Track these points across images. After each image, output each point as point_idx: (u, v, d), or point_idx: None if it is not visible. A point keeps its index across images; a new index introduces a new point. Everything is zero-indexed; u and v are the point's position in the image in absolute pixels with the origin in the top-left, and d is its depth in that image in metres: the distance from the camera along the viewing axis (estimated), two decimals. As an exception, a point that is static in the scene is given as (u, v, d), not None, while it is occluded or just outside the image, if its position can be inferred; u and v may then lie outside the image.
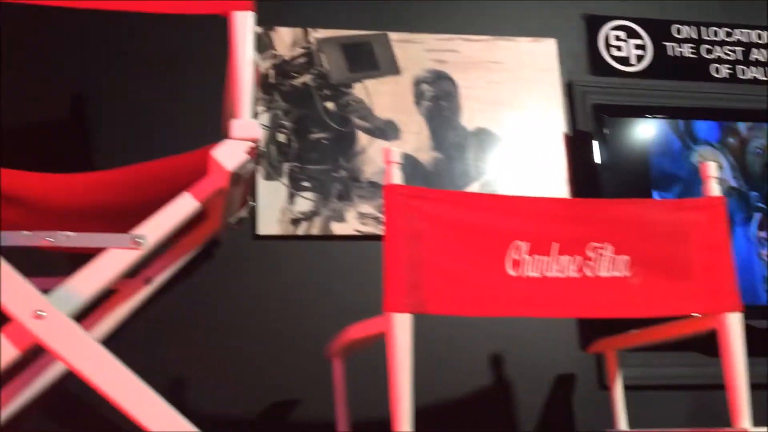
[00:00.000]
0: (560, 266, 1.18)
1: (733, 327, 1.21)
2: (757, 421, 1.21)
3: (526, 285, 1.16)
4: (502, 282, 1.15)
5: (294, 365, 1.61)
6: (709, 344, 1.79)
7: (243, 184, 1.35)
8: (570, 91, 1.92)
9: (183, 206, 1.17)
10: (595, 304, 1.20)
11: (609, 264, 1.20)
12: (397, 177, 1.13)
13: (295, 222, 1.71)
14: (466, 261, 1.15)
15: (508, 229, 1.17)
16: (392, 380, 1.07)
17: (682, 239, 1.24)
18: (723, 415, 1.71)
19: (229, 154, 1.15)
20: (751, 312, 1.70)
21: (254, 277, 1.67)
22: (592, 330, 1.72)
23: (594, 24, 2.00)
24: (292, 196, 1.72)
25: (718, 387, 1.78)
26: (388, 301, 1.09)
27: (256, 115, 1.76)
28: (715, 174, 1.27)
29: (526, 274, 1.17)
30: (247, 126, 1.17)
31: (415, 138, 1.81)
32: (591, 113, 1.83)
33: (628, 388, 1.71)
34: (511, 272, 1.16)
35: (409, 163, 1.79)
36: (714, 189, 1.26)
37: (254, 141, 1.17)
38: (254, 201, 1.53)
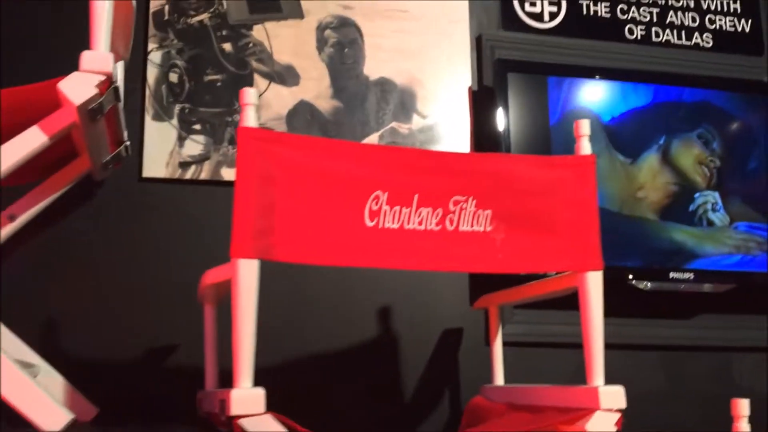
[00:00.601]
0: (420, 218, 1.16)
1: (593, 286, 1.21)
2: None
3: (383, 236, 1.14)
4: (357, 232, 1.13)
5: (173, 310, 1.59)
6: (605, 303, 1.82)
7: (109, 121, 1.30)
8: (479, 45, 1.89)
9: (30, 139, 1.12)
10: (454, 259, 1.18)
11: (471, 218, 1.19)
12: (251, 120, 1.09)
13: (184, 165, 1.66)
14: (321, 209, 1.12)
15: (368, 178, 1.14)
16: (235, 328, 1.05)
17: (549, 196, 1.23)
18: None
19: (76, 87, 1.10)
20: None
21: (137, 220, 1.62)
22: (482, 286, 1.72)
23: (509, -23, 1.96)
24: (181, 139, 1.67)
25: (606, 347, 1.81)
26: (234, 246, 1.06)
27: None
28: (587, 132, 1.25)
29: (384, 225, 1.14)
30: (98, 58, 1.12)
31: (315, 85, 1.77)
32: (497, 68, 1.80)
33: (512, 344, 1.73)
34: (369, 222, 1.14)
35: (308, 111, 1.75)
36: (585, 147, 1.25)
37: (106, 75, 1.12)
38: (128, 140, 1.47)
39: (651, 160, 1.82)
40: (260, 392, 1.02)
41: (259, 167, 1.08)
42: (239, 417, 1.01)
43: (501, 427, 1.29)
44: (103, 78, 1.11)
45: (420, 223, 1.16)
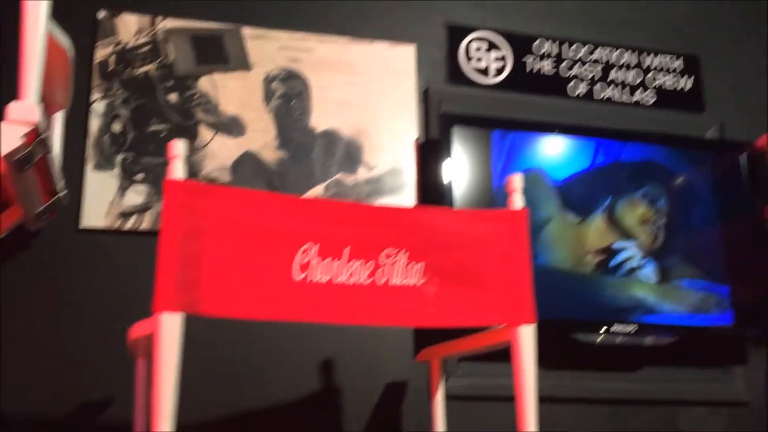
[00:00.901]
0: (351, 271, 1.16)
1: (525, 339, 1.21)
2: None
3: (312, 289, 1.13)
4: (286, 285, 1.12)
5: (111, 364, 1.55)
6: (543, 357, 1.81)
7: (40, 171, 1.28)
8: (426, 99, 1.92)
9: (-48, 190, 1.10)
10: (386, 312, 1.18)
11: (403, 271, 1.18)
12: (178, 172, 1.08)
13: (125, 216, 1.64)
14: (250, 262, 1.11)
15: (298, 231, 1.14)
16: (155, 384, 1.02)
17: (482, 250, 1.23)
18: (543, 427, 1.73)
19: (2, 138, 1.09)
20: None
21: (74, 271, 1.60)
22: (427, 338, 1.71)
23: (456, 33, 2.00)
24: (123, 189, 1.66)
25: (551, 400, 1.80)
26: (157, 299, 1.04)
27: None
28: (519, 187, 1.27)
29: (314, 278, 1.14)
30: (25, 109, 1.11)
31: (260, 136, 1.77)
32: (442, 122, 1.82)
33: (456, 397, 1.71)
34: (298, 276, 1.13)
35: (253, 161, 1.75)
36: (517, 202, 1.26)
37: (33, 125, 1.11)
38: (65, 190, 1.46)
39: (598, 220, 1.84)
40: (177, 450, 0.99)
41: (185, 219, 1.07)
42: (156, 477, 0.98)
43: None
44: (29, 128, 1.10)
45: (351, 276, 1.16)
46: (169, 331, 1.03)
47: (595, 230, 1.83)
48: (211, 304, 1.07)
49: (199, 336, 1.61)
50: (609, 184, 1.87)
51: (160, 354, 1.03)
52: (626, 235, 1.84)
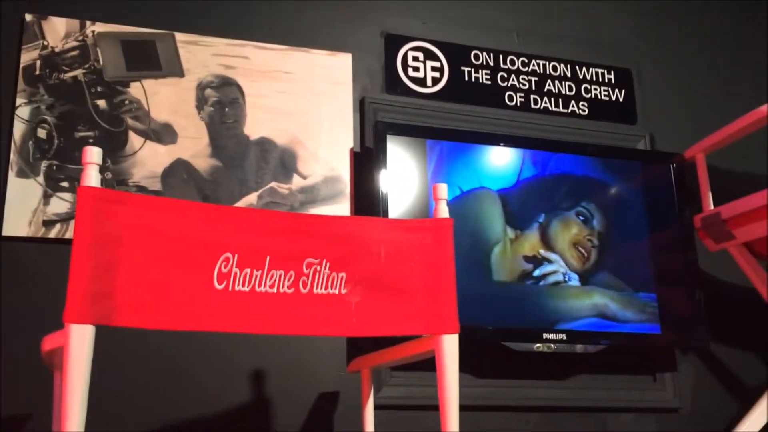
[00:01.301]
0: (273, 281, 1.14)
1: (448, 349, 1.20)
2: None
3: (233, 299, 1.11)
4: (206, 295, 1.10)
5: (29, 377, 1.50)
6: (479, 365, 1.82)
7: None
8: (362, 108, 1.92)
9: None
10: (308, 322, 1.16)
11: (325, 281, 1.17)
12: (92, 179, 1.06)
13: (48, 224, 1.60)
14: (168, 272, 1.08)
15: (217, 240, 1.12)
16: (63, 398, 0.99)
17: (405, 259, 1.23)
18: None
19: None
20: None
21: (-5, 281, 1.55)
22: (359, 348, 1.71)
23: (393, 43, 2.00)
24: (47, 196, 1.61)
25: (484, 408, 1.81)
26: (67, 310, 1.01)
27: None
28: (444, 196, 1.27)
29: (234, 287, 1.12)
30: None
31: (192, 143, 1.75)
32: (377, 130, 1.82)
33: (389, 407, 1.71)
34: (218, 285, 1.11)
35: (184, 169, 1.72)
36: (443, 211, 1.27)
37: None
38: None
39: (532, 238, 1.85)
40: (85, 466, 0.96)
41: (99, 228, 1.05)
42: (61, 494, 0.95)
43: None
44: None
45: (272, 286, 1.14)
46: (77, 343, 1.00)
47: (530, 248, 1.84)
48: (126, 316, 1.05)
49: (125, 345, 1.58)
50: (545, 198, 1.89)
51: (69, 367, 1.00)
52: (556, 253, 1.87)
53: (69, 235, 1.60)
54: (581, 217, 1.90)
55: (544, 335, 1.75)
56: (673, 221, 1.95)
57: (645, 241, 1.92)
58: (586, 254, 1.88)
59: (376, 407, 1.64)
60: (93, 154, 1.07)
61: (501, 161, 1.88)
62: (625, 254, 1.90)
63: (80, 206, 1.04)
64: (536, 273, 1.82)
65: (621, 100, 2.18)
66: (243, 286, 1.13)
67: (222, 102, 1.80)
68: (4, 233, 1.56)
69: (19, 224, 1.58)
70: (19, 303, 1.55)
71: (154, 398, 1.58)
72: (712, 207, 1.91)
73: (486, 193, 1.84)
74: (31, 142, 1.63)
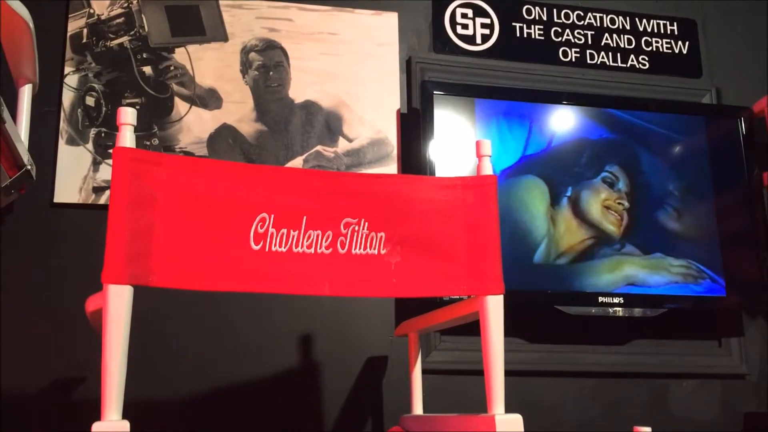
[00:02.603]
0: (310, 241, 1.12)
1: (493, 311, 1.16)
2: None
3: (270, 260, 1.10)
4: (242, 256, 1.09)
5: (83, 341, 1.53)
6: (532, 330, 1.78)
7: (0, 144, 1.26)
8: (408, 68, 1.87)
9: None
10: (347, 283, 1.14)
11: (364, 241, 1.15)
12: (127, 140, 1.05)
13: (98, 191, 1.62)
14: (204, 232, 1.08)
15: (253, 200, 1.10)
16: (103, 357, 1.00)
17: (447, 218, 1.19)
18: (529, 401, 1.69)
19: (-54, 109, 1.06)
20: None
21: (48, 247, 1.58)
22: (408, 312, 1.68)
23: (440, 0, 1.94)
24: (96, 163, 1.63)
25: (534, 374, 1.77)
26: (106, 271, 1.01)
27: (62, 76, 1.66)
28: (489, 152, 1.22)
29: (271, 248, 1.10)
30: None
31: (237, 108, 1.74)
32: (424, 91, 1.77)
33: (438, 372, 1.69)
34: (254, 246, 1.10)
35: (230, 134, 1.72)
36: (487, 168, 1.22)
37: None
38: (32, 164, 1.43)
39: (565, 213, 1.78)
40: (124, 425, 0.97)
41: (135, 189, 1.04)
42: (102, 451, 0.96)
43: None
44: (-25, 98, 1.07)
45: (309, 246, 1.12)
46: (116, 304, 1.00)
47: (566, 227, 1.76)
48: (162, 276, 1.05)
49: (173, 311, 1.60)
50: (593, 156, 1.81)
51: (108, 328, 1.00)
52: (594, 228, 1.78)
53: (118, 201, 1.62)
54: (607, 183, 1.80)
55: (600, 299, 1.69)
56: (741, 179, 1.84)
57: (708, 200, 1.82)
58: (619, 217, 1.79)
59: (425, 371, 1.62)
60: (127, 115, 1.07)
61: (555, 119, 1.81)
62: (685, 211, 1.81)
63: (116, 167, 1.04)
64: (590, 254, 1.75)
65: (685, 52, 2.06)
66: (280, 246, 1.11)
67: (266, 66, 1.78)
68: (56, 200, 1.59)
69: (70, 191, 1.60)
70: (70, 268, 1.58)
71: (200, 363, 1.59)
72: (782, 163, 1.80)
73: (533, 182, 1.76)
74: (79, 110, 1.65)
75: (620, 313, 1.70)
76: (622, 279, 1.73)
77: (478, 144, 1.23)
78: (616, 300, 1.69)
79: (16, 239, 1.57)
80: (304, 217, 1.12)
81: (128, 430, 0.96)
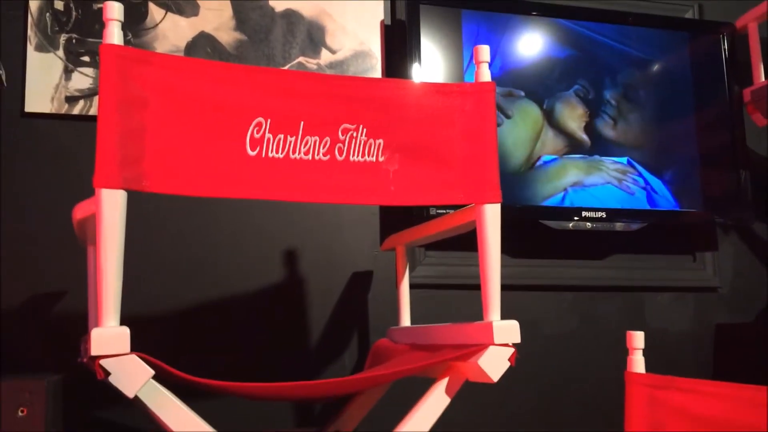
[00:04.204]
0: (307, 148, 1.09)
1: (490, 219, 1.15)
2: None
3: (266, 166, 1.07)
4: (238, 162, 1.05)
5: (60, 253, 1.49)
6: (514, 245, 1.79)
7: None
8: (392, -23, 1.80)
9: None
10: (344, 190, 1.12)
11: (362, 148, 1.12)
12: (115, 36, 0.99)
13: (71, 100, 1.54)
14: (198, 136, 1.03)
15: (249, 103, 1.06)
16: (99, 264, 0.97)
17: (445, 126, 1.17)
18: (511, 314, 1.72)
19: None
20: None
21: (20, 158, 1.51)
22: (393, 226, 1.67)
23: None
24: (68, 71, 1.55)
25: (515, 287, 1.79)
26: (98, 175, 0.97)
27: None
28: (486, 58, 1.19)
29: (268, 154, 1.07)
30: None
31: (215, 16, 1.66)
32: (409, 1, 1.71)
33: (424, 286, 1.70)
34: (250, 151, 1.06)
35: (208, 43, 1.65)
36: (484, 74, 1.19)
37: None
38: (2, 70, 1.36)
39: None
40: (124, 331, 0.95)
41: (124, 88, 0.99)
42: (101, 357, 0.93)
43: (397, 366, 1.24)
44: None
45: (307, 153, 1.09)
46: (109, 208, 0.97)
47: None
48: (156, 181, 1.01)
49: (157, 225, 1.56)
50: (567, 71, 1.79)
51: (103, 234, 0.96)
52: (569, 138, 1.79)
53: (93, 111, 1.55)
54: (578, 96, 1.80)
55: (583, 213, 1.70)
56: (721, 95, 1.85)
57: (689, 117, 1.83)
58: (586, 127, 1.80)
59: (411, 286, 1.62)
60: (114, 10, 1.00)
61: (539, 33, 1.78)
62: (667, 131, 1.82)
63: (104, 65, 0.98)
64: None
65: (668, -33, 2.04)
66: (276, 152, 1.08)
67: (245, -29, 1.70)
68: (27, 109, 1.52)
69: (41, 101, 1.53)
70: (43, 180, 1.52)
71: (184, 276, 1.57)
72: (763, 80, 1.81)
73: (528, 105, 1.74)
74: (48, 14, 1.56)
75: (602, 227, 1.72)
76: (566, 183, 1.74)
77: (476, 50, 1.19)
78: (599, 214, 1.71)
79: (-14, 150, 1.50)
80: (302, 123, 1.09)
81: (128, 334, 0.95)
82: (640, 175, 1.78)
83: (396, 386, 1.42)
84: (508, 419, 1.72)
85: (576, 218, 1.69)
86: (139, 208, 1.54)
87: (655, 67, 1.85)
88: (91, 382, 0.99)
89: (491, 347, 1.12)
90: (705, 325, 1.88)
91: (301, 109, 1.09)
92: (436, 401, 1.15)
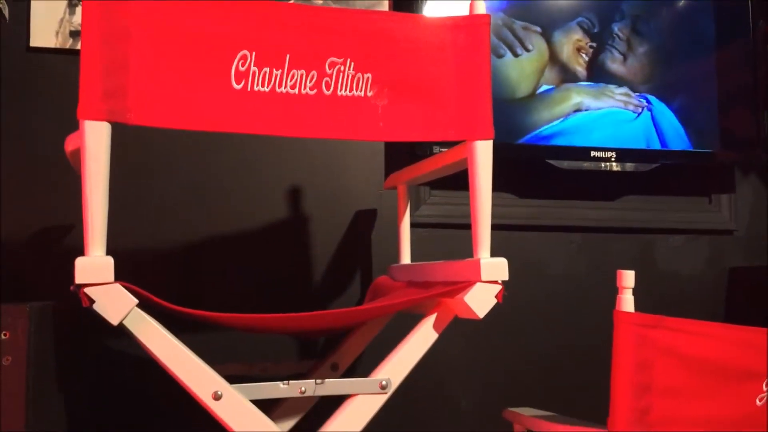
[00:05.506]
0: (294, 81, 1.08)
1: (481, 155, 1.14)
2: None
3: (252, 99, 1.06)
4: (223, 95, 1.05)
5: (67, 187, 1.52)
6: (521, 185, 1.77)
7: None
8: None
9: None
10: (332, 125, 1.11)
11: (350, 82, 1.10)
12: (96, -33, 0.99)
13: (75, 34, 1.55)
14: (183, 69, 1.03)
15: (233, 35, 1.05)
16: (84, 196, 0.98)
17: (436, 59, 1.14)
18: (517, 255, 1.72)
19: None
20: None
21: (25, 93, 1.53)
22: (398, 166, 1.66)
23: None
24: (72, 6, 1.55)
25: (522, 228, 1.78)
26: (81, 107, 0.98)
27: None
28: (482, -10, 1.16)
29: (254, 88, 1.06)
30: None
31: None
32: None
33: (427, 225, 1.69)
34: (236, 85, 1.06)
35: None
36: (479, 6, 1.16)
37: None
38: (2, 2, 1.37)
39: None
40: (108, 260, 0.97)
41: (108, 20, 0.99)
42: (86, 286, 0.96)
43: (389, 301, 1.25)
44: None
45: (293, 87, 1.08)
46: (93, 141, 0.97)
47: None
48: (141, 114, 1.01)
49: (158, 161, 1.58)
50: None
51: (87, 167, 0.98)
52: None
53: (97, 47, 1.55)
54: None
55: (593, 153, 1.67)
56: (744, 30, 1.77)
57: (708, 53, 1.76)
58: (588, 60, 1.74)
59: (414, 225, 1.63)
60: (95, -62, 0.99)
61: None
62: (682, 68, 1.76)
63: (85, -3, 0.98)
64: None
65: None
66: (262, 86, 1.07)
67: None
68: (32, 44, 1.53)
69: (46, 35, 1.53)
70: (49, 114, 1.54)
71: (187, 214, 1.59)
72: (790, 14, 1.73)
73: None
74: (51, -52, 1.56)
75: (613, 168, 1.68)
76: (570, 106, 1.70)
77: (470, -20, 1.16)
78: (609, 154, 1.67)
79: (-8, 85, 1.52)
80: (288, 56, 1.08)
81: (112, 263, 0.97)
82: (649, 103, 1.73)
83: (394, 325, 1.44)
84: (515, 360, 1.73)
85: (585, 158, 1.66)
86: (142, 143, 1.56)
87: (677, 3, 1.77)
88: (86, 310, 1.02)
89: (478, 284, 1.12)
90: (718, 268, 1.85)
91: (288, 41, 1.08)
92: (423, 336, 1.16)
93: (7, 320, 0.92)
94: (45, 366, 1.10)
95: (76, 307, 1.00)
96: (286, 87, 1.08)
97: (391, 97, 1.13)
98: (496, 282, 1.12)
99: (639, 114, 1.72)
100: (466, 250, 1.69)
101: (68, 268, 1.33)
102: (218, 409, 1.03)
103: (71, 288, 1.05)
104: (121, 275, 0.98)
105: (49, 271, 1.51)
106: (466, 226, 1.69)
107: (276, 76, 1.07)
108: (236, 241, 1.61)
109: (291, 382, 1.11)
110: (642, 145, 1.71)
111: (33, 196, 1.52)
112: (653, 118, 1.73)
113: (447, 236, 1.71)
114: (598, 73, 1.72)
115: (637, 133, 1.71)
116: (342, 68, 1.10)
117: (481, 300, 1.12)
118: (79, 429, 1.41)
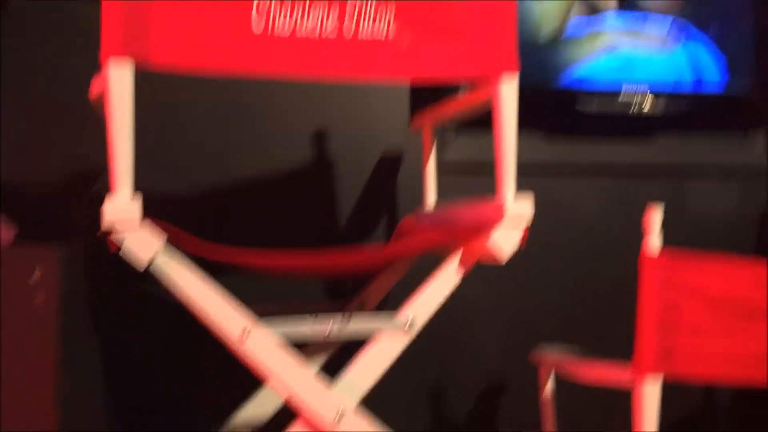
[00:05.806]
0: (314, 21, 1.07)
1: (507, 91, 1.12)
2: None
3: (273, 44, 1.05)
4: (244, 37, 1.04)
5: (95, 134, 1.53)
6: (550, 126, 1.74)
7: None
8: None
9: None
10: (353, 63, 1.10)
11: (371, 19, 1.09)
12: None
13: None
14: (204, 11, 1.03)
15: (253, -27, 1.04)
16: (110, 137, 0.99)
17: (461, -6, 1.12)
18: (544, 198, 1.71)
19: None
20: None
21: (55, 38, 1.54)
22: (423, 105, 1.64)
23: None
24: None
25: (550, 170, 1.76)
26: (104, 46, 0.98)
27: None
28: None
29: (274, 32, 1.05)
30: None
31: None
32: None
33: (450, 168, 1.67)
34: (256, 26, 1.05)
35: None
36: (503, -65, 1.12)
37: None
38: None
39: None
40: (135, 200, 0.98)
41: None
42: (114, 230, 0.98)
43: (412, 243, 1.26)
44: None
45: (314, 28, 1.07)
46: (117, 81, 0.98)
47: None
48: (163, 54, 1.01)
49: (185, 104, 1.58)
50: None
51: (112, 107, 0.99)
52: None
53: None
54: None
55: (623, 91, 1.63)
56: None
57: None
58: None
59: (440, 168, 1.61)
60: None
61: None
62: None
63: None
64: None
65: None
66: (283, 27, 1.06)
67: None
68: (58, -11, 1.53)
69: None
70: (78, 62, 1.55)
71: (214, 157, 1.60)
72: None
73: None
74: None
75: (644, 109, 1.64)
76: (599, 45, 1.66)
77: None
78: (639, 93, 1.63)
79: (20, 29, 1.53)
80: (308, -3, 1.06)
81: (140, 202, 0.98)
82: (682, 35, 1.67)
83: (421, 270, 1.44)
84: (540, 303, 1.73)
85: (616, 99, 1.63)
86: (170, 87, 1.56)
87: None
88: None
89: (501, 227, 1.11)
90: (752, 211, 1.81)
91: (307, -25, 1.06)
92: (445, 278, 1.16)
93: (39, 260, 0.94)
94: (76, 306, 1.13)
95: (107, 251, 1.02)
96: (305, 28, 1.06)
97: (413, 32, 1.11)
98: (520, 225, 1.12)
99: (671, 50, 1.67)
100: (490, 192, 1.69)
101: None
102: (248, 349, 1.04)
103: (98, 234, 1.07)
104: (149, 216, 0.99)
105: (81, 215, 1.54)
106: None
107: (297, 14, 1.06)
108: (263, 187, 1.61)
109: (319, 314, 1.12)
110: (674, 83, 1.66)
111: (69, 140, 1.54)
112: (686, 53, 1.68)
113: (474, 180, 1.68)
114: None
115: (669, 71, 1.67)
116: (363, 4, 1.08)
117: (504, 243, 1.11)
118: (113, 368, 1.46)
